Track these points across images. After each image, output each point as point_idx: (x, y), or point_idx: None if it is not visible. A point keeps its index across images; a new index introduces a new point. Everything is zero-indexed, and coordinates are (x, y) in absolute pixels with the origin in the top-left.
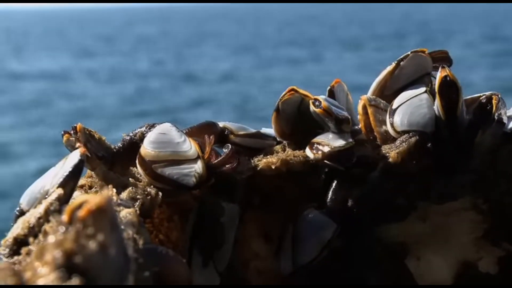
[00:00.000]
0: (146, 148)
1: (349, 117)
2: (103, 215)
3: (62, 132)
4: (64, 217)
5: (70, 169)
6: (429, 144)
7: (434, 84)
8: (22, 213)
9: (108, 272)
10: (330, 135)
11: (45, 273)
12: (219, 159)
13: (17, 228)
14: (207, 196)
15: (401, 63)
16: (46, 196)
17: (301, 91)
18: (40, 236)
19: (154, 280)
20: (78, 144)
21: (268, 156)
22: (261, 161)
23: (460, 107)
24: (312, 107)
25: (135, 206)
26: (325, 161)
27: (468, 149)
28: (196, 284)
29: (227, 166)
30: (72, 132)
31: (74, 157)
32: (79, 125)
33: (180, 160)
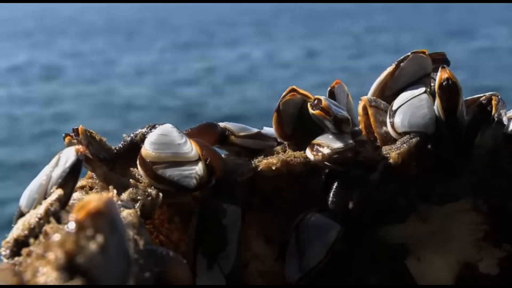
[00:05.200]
0: (147, 149)
1: (349, 117)
2: (102, 217)
3: (64, 135)
4: (72, 216)
5: (69, 169)
6: (430, 145)
7: (434, 85)
8: (22, 214)
9: (109, 272)
10: (330, 136)
11: (46, 272)
12: None
13: (18, 229)
14: (208, 198)
15: (401, 64)
16: (46, 197)
17: (301, 91)
18: (41, 237)
19: (155, 280)
20: (79, 146)
21: (268, 157)
22: (262, 162)
23: (460, 107)
24: (310, 109)
25: (136, 207)
26: (325, 163)
27: (468, 150)
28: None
29: None
30: (73, 134)
31: (69, 155)
32: (80, 127)
33: (181, 161)
